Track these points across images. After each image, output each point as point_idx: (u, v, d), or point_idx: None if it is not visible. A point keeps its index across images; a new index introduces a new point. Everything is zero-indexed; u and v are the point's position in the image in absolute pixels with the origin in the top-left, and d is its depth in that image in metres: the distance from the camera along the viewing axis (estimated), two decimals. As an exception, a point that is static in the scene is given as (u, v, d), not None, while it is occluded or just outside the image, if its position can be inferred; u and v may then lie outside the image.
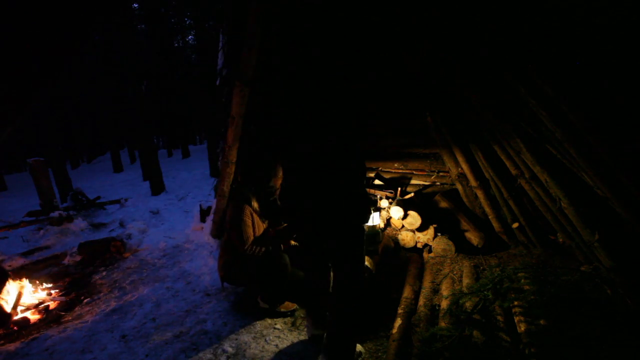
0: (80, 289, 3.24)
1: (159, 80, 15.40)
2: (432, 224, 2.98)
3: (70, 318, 2.67)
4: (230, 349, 2.06)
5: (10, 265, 3.65)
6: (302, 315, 2.40)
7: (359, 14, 2.80)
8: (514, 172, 2.51)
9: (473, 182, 2.87)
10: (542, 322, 1.73)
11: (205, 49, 11.33)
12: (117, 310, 2.66)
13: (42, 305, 2.88)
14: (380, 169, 3.66)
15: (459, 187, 3.10)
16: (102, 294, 3.06)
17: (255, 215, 2.46)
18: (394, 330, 1.95)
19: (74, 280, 3.45)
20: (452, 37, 2.25)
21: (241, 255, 2.35)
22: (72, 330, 2.42)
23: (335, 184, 1.66)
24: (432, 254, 2.93)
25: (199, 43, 13.18)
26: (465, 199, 3.13)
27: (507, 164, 2.52)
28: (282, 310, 2.41)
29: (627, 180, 1.95)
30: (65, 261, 3.87)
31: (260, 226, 2.49)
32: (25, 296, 2.89)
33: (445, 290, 2.32)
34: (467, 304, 1.99)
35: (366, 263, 2.52)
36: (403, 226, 3.12)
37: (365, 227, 1.86)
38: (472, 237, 2.94)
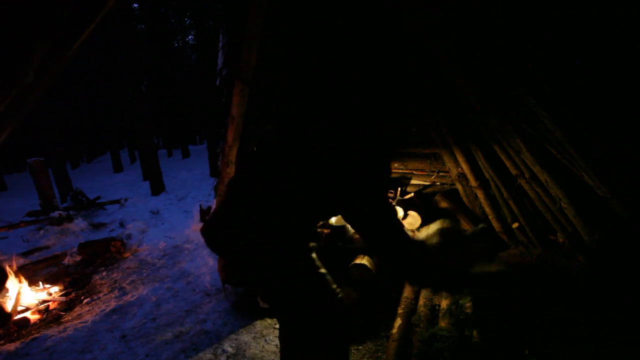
0: (80, 289, 3.24)
1: (159, 80, 15.40)
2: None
3: (70, 318, 2.67)
4: (230, 349, 2.06)
5: (10, 265, 3.65)
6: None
7: (361, 15, 2.80)
8: (514, 172, 2.51)
9: (473, 182, 2.87)
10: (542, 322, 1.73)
11: (205, 49, 11.33)
12: (117, 310, 2.66)
13: (42, 305, 2.88)
14: (380, 169, 3.67)
15: (459, 187, 3.10)
16: (102, 294, 3.06)
17: None
18: (394, 330, 1.95)
19: (74, 280, 3.45)
20: (451, 36, 2.25)
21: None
22: (72, 330, 2.42)
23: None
24: (432, 254, 2.93)
25: (199, 43, 13.19)
26: (465, 199, 3.13)
27: (507, 164, 2.52)
28: (282, 310, 2.41)
29: (628, 180, 1.95)
30: (65, 261, 3.88)
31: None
32: (25, 296, 2.89)
33: (445, 290, 2.32)
34: (467, 304, 1.99)
35: (366, 263, 2.52)
36: (403, 226, 3.12)
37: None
38: (472, 237, 2.94)
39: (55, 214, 5.22)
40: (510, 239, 2.87)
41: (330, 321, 1.21)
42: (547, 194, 2.35)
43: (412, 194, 3.31)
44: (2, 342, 2.38)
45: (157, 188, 8.52)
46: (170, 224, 5.29)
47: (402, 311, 2.14)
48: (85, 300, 2.97)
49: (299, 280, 1.21)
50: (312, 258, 1.24)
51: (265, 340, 2.13)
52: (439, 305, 2.16)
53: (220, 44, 3.41)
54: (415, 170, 3.46)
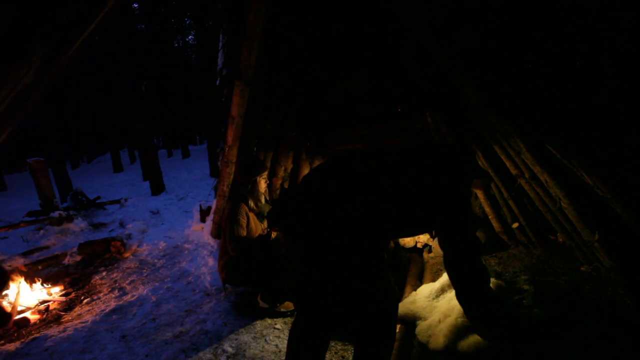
0: (80, 289, 3.24)
1: (159, 80, 15.40)
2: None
3: (70, 318, 2.67)
4: (230, 349, 2.06)
5: (10, 265, 3.65)
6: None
7: (359, 12, 2.80)
8: (514, 172, 2.51)
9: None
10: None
11: (205, 49, 11.33)
12: (117, 310, 2.66)
13: (42, 305, 2.88)
14: (380, 169, 3.66)
15: (459, 187, 3.10)
16: (102, 294, 3.06)
17: (251, 215, 2.46)
18: (396, 330, 1.95)
19: (74, 280, 3.45)
20: (451, 36, 2.25)
21: (241, 254, 2.36)
22: (72, 330, 2.42)
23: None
24: (432, 254, 2.93)
25: (199, 43, 13.18)
26: (465, 199, 3.12)
27: (507, 164, 2.52)
28: (282, 310, 2.41)
29: (627, 180, 1.95)
30: (65, 261, 3.88)
31: (258, 225, 2.49)
32: (25, 296, 2.89)
33: (445, 290, 2.31)
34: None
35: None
36: (403, 226, 3.12)
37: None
38: (472, 237, 2.94)
39: (55, 214, 5.22)
40: (510, 239, 2.87)
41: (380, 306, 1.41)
42: (547, 194, 2.35)
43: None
44: (2, 342, 2.38)
45: (157, 188, 8.52)
46: (170, 224, 5.29)
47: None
48: (85, 300, 2.97)
49: (373, 273, 1.39)
50: (384, 256, 1.50)
51: (265, 340, 2.13)
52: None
53: (220, 44, 3.41)
54: (415, 170, 3.46)
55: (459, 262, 1.50)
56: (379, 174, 1.41)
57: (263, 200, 2.57)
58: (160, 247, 4.09)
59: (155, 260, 3.72)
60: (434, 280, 2.56)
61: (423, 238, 3.02)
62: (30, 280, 3.12)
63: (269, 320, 2.35)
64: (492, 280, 2.06)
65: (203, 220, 4.27)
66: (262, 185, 2.54)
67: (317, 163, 3.90)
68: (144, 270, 3.48)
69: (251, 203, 2.47)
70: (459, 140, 2.52)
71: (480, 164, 2.75)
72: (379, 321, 1.40)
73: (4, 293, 2.74)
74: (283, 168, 3.51)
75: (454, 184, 1.47)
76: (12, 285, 2.85)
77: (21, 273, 3.06)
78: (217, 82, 3.48)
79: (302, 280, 1.43)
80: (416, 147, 1.61)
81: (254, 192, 2.49)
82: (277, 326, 2.29)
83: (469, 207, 1.61)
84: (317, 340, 1.47)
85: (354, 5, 2.80)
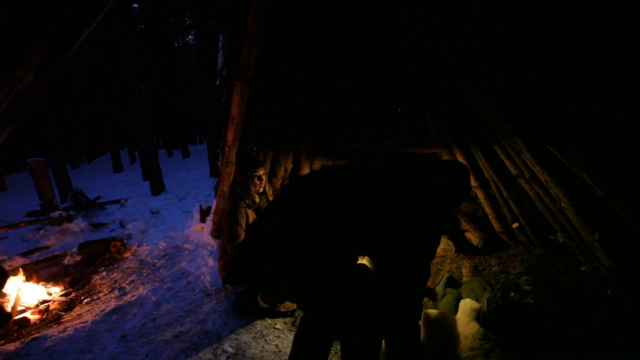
0: (80, 289, 3.24)
1: (159, 80, 15.40)
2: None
3: (70, 318, 2.67)
4: (230, 349, 2.06)
5: (10, 265, 3.65)
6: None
7: (359, 13, 2.80)
8: (514, 172, 2.51)
9: (473, 182, 2.87)
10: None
11: (205, 49, 11.33)
12: (117, 310, 2.66)
13: (42, 305, 2.88)
14: (380, 169, 3.66)
15: (459, 187, 3.10)
16: (102, 294, 3.06)
17: (250, 212, 2.46)
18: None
19: (74, 280, 3.45)
20: (451, 37, 2.25)
21: (240, 254, 2.36)
22: (72, 330, 2.42)
23: None
24: (432, 254, 2.93)
25: (199, 43, 13.19)
26: (465, 199, 3.13)
27: (507, 164, 2.52)
28: (282, 310, 2.41)
29: (627, 180, 1.95)
30: (65, 261, 3.87)
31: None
32: (25, 296, 2.89)
33: (445, 290, 2.31)
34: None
35: (366, 263, 2.52)
36: (403, 226, 3.11)
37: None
38: (472, 237, 2.94)
39: (55, 214, 5.21)
40: (510, 239, 2.87)
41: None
42: (547, 194, 2.35)
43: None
44: (2, 342, 2.38)
45: (157, 188, 8.51)
46: (170, 224, 5.29)
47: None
48: (85, 300, 2.97)
49: (345, 279, 1.39)
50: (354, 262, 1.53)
51: (265, 340, 2.13)
52: (439, 305, 2.15)
53: (220, 44, 3.41)
54: (415, 170, 3.46)
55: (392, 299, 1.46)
56: (349, 187, 1.38)
57: (257, 199, 2.55)
58: (160, 247, 4.09)
59: (155, 260, 3.73)
60: (433, 280, 2.57)
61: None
62: (30, 280, 3.12)
63: (269, 320, 2.35)
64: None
65: (203, 220, 4.27)
66: (256, 182, 2.51)
67: (317, 163, 3.90)
68: (144, 270, 3.48)
69: (247, 201, 2.46)
70: (455, 160, 2.50)
71: (480, 166, 2.75)
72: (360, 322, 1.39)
73: (3, 292, 2.74)
74: (283, 168, 3.51)
75: (431, 205, 1.39)
76: (11, 284, 2.85)
77: (21, 273, 3.05)
78: (217, 82, 3.48)
79: (298, 284, 1.43)
80: (402, 163, 1.54)
81: (246, 189, 2.48)
82: (277, 326, 2.29)
83: (434, 235, 1.49)
84: (320, 341, 1.48)
85: (354, 5, 2.80)
